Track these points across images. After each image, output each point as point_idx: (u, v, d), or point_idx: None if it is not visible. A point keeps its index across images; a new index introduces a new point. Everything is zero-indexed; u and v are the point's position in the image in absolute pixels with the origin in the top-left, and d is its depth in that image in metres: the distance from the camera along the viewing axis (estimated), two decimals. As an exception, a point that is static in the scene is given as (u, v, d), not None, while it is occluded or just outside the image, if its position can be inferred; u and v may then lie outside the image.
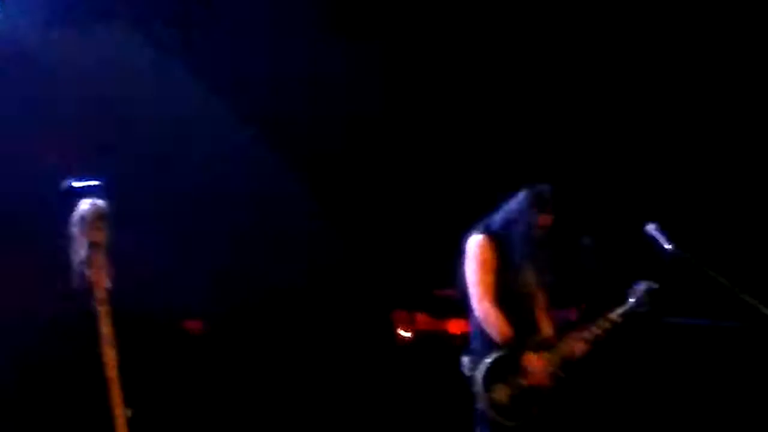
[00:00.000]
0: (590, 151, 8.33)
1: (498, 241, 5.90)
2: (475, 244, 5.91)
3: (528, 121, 8.28)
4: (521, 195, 5.93)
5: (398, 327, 7.77)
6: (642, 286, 5.98)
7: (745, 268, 7.15)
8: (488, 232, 5.93)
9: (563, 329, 5.95)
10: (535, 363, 5.81)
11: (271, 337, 7.94)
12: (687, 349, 7.98)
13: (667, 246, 5.84)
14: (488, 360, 5.81)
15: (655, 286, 5.96)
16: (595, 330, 5.89)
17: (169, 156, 7.63)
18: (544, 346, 5.88)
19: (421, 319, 7.75)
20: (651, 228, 5.94)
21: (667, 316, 7.70)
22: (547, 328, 5.99)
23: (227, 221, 7.88)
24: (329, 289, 8.10)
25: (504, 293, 5.87)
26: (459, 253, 5.96)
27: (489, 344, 5.84)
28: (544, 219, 5.90)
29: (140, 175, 7.22)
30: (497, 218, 5.97)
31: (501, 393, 5.79)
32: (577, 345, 5.87)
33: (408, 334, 7.85)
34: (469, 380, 5.84)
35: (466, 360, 5.91)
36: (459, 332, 7.71)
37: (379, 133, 8.20)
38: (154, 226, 7.46)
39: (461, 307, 6.10)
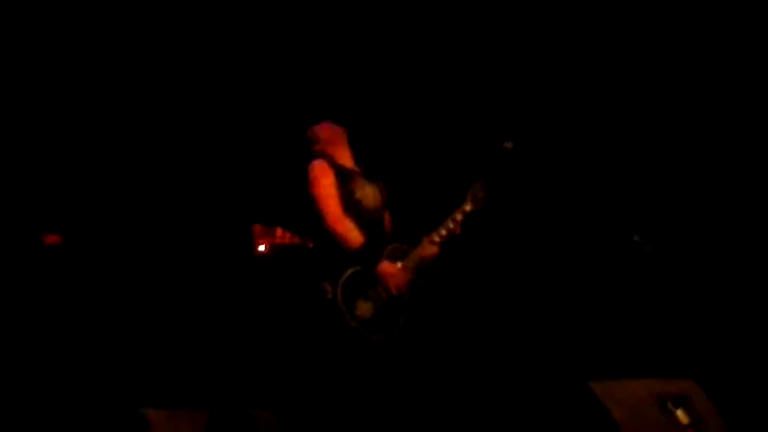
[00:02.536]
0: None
1: (334, 166, 6.00)
2: (317, 168, 5.99)
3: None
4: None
5: (256, 241, 7.77)
6: (477, 184, 6.13)
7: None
8: (325, 158, 6.01)
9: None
10: (391, 271, 5.90)
11: (128, 251, 7.90)
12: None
13: (522, 163, 6.03)
14: (344, 277, 5.88)
15: (490, 182, 6.12)
16: (442, 232, 6.03)
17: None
18: (396, 254, 5.98)
19: (279, 233, 7.76)
20: (508, 144, 6.10)
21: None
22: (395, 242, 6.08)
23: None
24: (189, 202, 8.08)
25: (349, 211, 5.95)
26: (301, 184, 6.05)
27: (343, 264, 5.91)
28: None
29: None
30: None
31: (364, 308, 5.87)
32: (427, 248, 5.99)
33: (263, 248, 7.86)
34: (330, 304, 5.90)
35: (325, 285, 5.96)
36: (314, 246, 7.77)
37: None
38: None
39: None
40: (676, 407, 5.72)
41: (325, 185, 5.95)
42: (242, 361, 7.74)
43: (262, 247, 7.83)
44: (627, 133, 8.20)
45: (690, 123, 8.10)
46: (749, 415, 6.76)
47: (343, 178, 6.01)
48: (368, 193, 6.09)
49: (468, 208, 6.10)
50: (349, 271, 5.90)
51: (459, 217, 6.08)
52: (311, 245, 7.79)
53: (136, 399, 7.35)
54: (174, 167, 8.07)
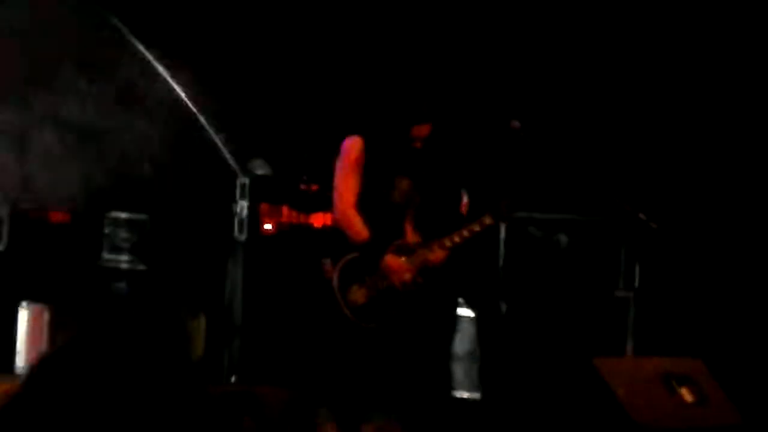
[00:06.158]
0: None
1: (373, 146, 5.89)
2: (348, 146, 5.90)
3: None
4: (397, 103, 5.94)
5: (262, 219, 7.80)
6: (503, 200, 6.02)
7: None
8: (365, 135, 5.91)
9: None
10: (394, 265, 5.83)
11: (133, 225, 7.92)
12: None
13: (529, 140, 6.01)
14: (344, 260, 5.84)
15: (515, 199, 6.05)
16: (455, 239, 5.94)
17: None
18: (403, 250, 5.91)
19: (285, 211, 7.79)
20: (516, 123, 6.07)
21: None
22: (412, 238, 6.00)
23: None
24: (191, 179, 8.08)
25: (370, 199, 5.88)
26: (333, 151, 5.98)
27: (348, 245, 5.88)
28: (422, 129, 5.90)
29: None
30: (374, 124, 5.96)
31: (358, 294, 5.80)
32: (436, 252, 5.91)
33: (269, 227, 7.87)
34: (326, 283, 5.87)
35: (326, 262, 5.92)
36: (322, 225, 7.78)
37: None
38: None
39: (325, 201, 6.14)
40: (680, 385, 5.72)
41: (348, 169, 5.85)
42: (248, 337, 7.75)
43: (268, 226, 7.86)
44: (631, 111, 8.19)
45: (691, 108, 8.09)
46: (754, 394, 6.76)
47: (380, 163, 5.87)
48: (400, 188, 5.95)
49: (488, 221, 5.98)
50: (351, 255, 5.84)
51: (477, 228, 5.98)
52: (317, 225, 7.81)
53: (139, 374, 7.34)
54: (179, 144, 8.06)
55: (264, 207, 7.81)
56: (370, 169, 5.86)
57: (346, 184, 5.85)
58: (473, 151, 7.86)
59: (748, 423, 5.87)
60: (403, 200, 5.95)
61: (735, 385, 6.02)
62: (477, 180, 6.26)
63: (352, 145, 5.86)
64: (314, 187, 7.83)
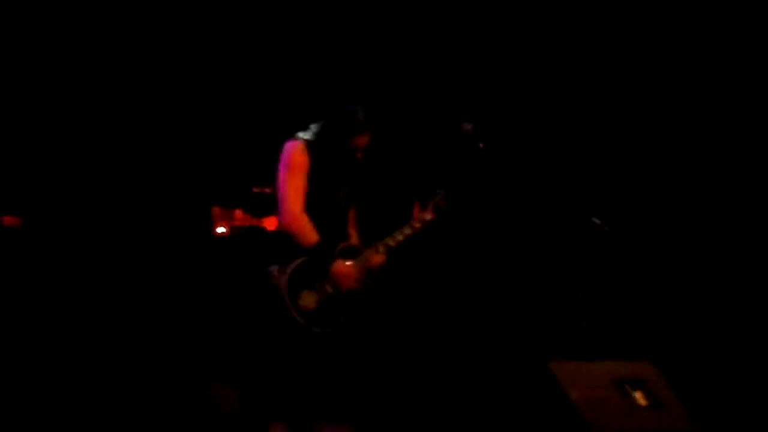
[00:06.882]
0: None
1: (314, 151, 5.90)
2: (290, 149, 5.91)
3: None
4: (338, 113, 5.93)
5: (215, 223, 7.76)
6: (440, 195, 6.07)
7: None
8: (305, 140, 5.92)
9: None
10: (343, 269, 5.83)
11: (88, 231, 7.87)
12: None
13: (481, 144, 6.02)
14: (293, 266, 5.82)
15: (454, 195, 6.05)
16: (399, 237, 5.96)
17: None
18: (350, 253, 5.92)
19: (238, 215, 7.76)
20: (467, 126, 6.08)
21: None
22: (356, 240, 6.02)
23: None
24: (147, 183, 8.04)
25: (314, 203, 5.89)
26: (276, 157, 5.97)
27: (295, 251, 5.86)
28: (361, 139, 5.93)
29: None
30: (315, 130, 5.95)
31: (308, 299, 5.79)
32: (375, 256, 5.92)
33: (223, 230, 7.84)
34: (274, 289, 5.84)
35: (272, 269, 5.89)
36: (275, 229, 7.76)
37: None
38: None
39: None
40: (634, 389, 5.75)
41: (292, 173, 5.85)
42: (201, 339, 7.72)
43: (221, 229, 7.82)
44: (586, 116, 8.22)
45: (644, 113, 8.13)
46: (705, 397, 6.81)
47: (322, 171, 5.88)
48: (341, 193, 5.98)
49: (428, 217, 6.02)
50: (299, 261, 5.83)
51: (418, 225, 6.01)
52: (270, 229, 7.78)
53: (95, 380, 7.33)
54: (133, 148, 8.02)
55: (216, 210, 7.77)
56: (312, 174, 5.87)
57: (291, 188, 5.86)
58: (420, 154, 7.91)
59: (700, 426, 5.91)
60: (345, 205, 5.99)
61: (687, 388, 6.06)
62: (424, 182, 6.27)
63: (296, 149, 5.88)
64: (267, 190, 7.81)
